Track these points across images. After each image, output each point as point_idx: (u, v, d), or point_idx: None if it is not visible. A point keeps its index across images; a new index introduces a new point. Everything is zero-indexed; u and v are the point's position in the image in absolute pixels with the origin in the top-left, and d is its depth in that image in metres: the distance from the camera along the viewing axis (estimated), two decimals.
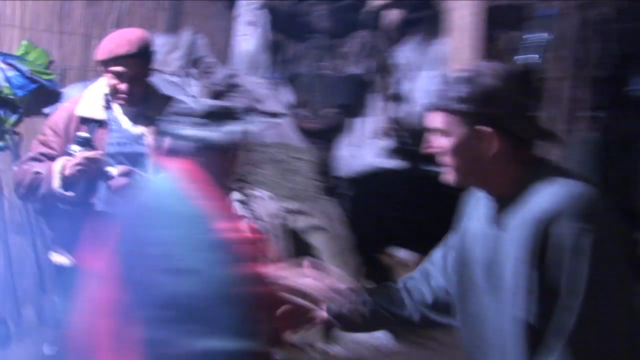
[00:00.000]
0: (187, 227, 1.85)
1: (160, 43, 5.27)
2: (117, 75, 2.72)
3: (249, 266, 1.89)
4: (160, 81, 4.84)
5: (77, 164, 2.59)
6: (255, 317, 1.82)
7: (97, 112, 2.80)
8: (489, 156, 1.58)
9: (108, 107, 2.83)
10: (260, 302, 1.86)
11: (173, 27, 5.46)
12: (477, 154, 1.59)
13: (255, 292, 1.86)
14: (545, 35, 3.58)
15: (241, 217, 2.05)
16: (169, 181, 1.93)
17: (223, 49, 5.74)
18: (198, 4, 5.65)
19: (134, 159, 2.78)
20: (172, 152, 1.95)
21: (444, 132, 1.62)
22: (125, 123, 2.82)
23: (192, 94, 4.90)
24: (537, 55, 3.58)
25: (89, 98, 2.85)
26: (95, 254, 1.99)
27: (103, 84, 2.85)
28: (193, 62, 5.29)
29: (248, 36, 5.49)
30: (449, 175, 1.66)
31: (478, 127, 1.57)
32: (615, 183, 5.56)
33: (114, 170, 2.59)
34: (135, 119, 2.83)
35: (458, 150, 1.60)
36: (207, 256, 1.83)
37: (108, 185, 2.60)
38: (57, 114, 2.86)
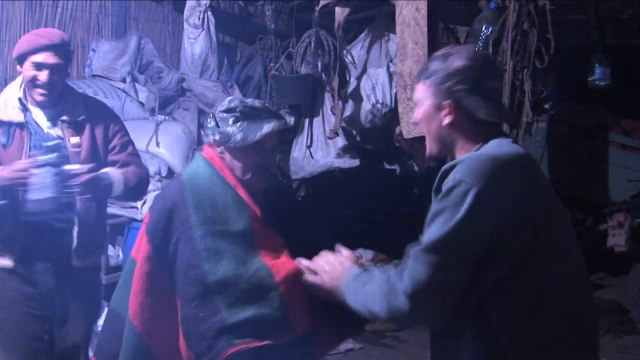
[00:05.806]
0: (217, 209, 2.05)
1: (106, 49, 5.18)
2: (37, 65, 2.68)
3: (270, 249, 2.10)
4: (107, 87, 4.76)
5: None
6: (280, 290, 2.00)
7: (14, 114, 2.74)
8: (446, 126, 1.77)
9: (25, 109, 2.77)
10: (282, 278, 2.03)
11: (119, 33, 5.37)
12: (437, 123, 1.79)
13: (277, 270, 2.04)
14: (488, 28, 3.65)
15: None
16: (203, 168, 2.13)
17: (171, 53, 5.68)
18: (144, 8, 5.57)
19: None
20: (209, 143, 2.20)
21: (418, 103, 1.84)
22: (44, 125, 2.79)
23: (139, 100, 4.83)
24: (480, 48, 3.66)
25: (5, 100, 2.78)
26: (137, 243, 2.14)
27: (17, 85, 2.81)
28: (140, 67, 5.21)
29: (196, 39, 5.43)
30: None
31: (440, 98, 1.76)
32: (575, 176, 5.69)
33: (75, 166, 2.58)
34: (53, 121, 2.79)
35: (425, 119, 1.82)
36: (234, 238, 2.03)
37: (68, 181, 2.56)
38: None
